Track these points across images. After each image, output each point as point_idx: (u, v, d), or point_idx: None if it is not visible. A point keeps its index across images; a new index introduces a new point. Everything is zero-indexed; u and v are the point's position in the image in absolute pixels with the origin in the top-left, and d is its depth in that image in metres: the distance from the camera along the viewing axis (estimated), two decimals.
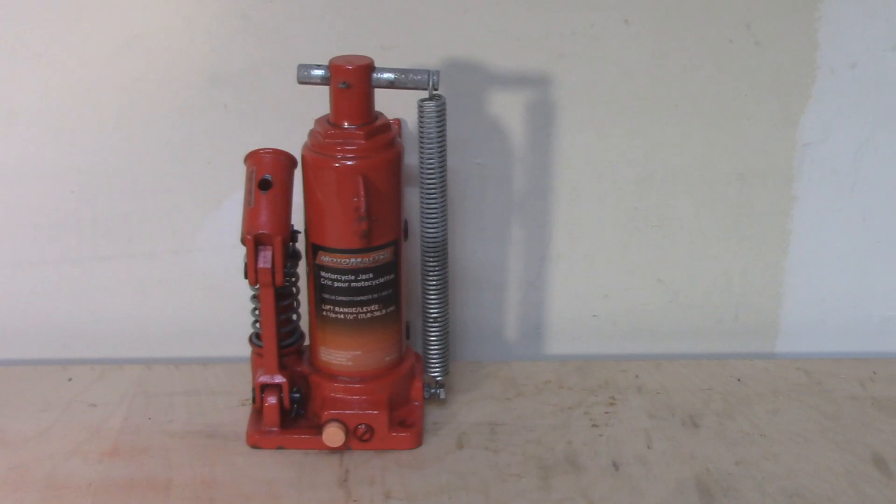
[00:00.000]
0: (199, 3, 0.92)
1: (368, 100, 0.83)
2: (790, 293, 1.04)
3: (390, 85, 0.82)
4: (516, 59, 0.94)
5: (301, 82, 0.83)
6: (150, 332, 1.03)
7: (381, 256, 0.85)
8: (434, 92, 0.82)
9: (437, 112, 0.82)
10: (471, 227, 0.99)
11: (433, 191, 0.84)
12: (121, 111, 0.95)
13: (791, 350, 1.06)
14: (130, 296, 1.01)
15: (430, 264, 0.87)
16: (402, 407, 0.90)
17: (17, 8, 0.91)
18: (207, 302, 1.02)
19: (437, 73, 0.81)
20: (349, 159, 0.82)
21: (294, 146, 0.85)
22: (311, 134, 0.84)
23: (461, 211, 0.99)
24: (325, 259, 0.84)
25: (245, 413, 0.92)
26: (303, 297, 0.89)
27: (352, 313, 0.86)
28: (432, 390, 0.92)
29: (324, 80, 0.82)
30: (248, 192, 0.83)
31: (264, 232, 0.82)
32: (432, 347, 0.90)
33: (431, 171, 0.84)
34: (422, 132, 0.83)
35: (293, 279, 0.88)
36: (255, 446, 0.88)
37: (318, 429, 0.86)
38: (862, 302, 1.04)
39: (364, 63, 0.82)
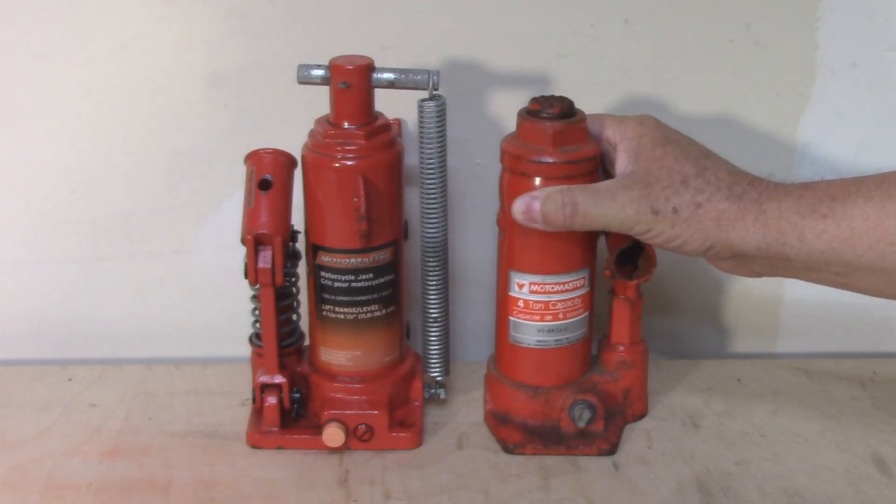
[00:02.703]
0: (198, 3, 0.92)
1: (368, 100, 0.83)
2: (790, 293, 1.04)
3: (390, 85, 0.82)
4: (516, 59, 0.94)
5: (301, 82, 0.83)
6: (150, 332, 1.03)
7: (381, 256, 0.85)
8: (434, 92, 0.82)
9: (437, 112, 0.82)
10: (471, 227, 0.99)
11: (433, 191, 0.84)
12: (121, 111, 0.95)
13: (791, 350, 1.06)
14: (130, 296, 1.01)
15: (430, 264, 0.87)
16: (402, 407, 0.90)
17: (17, 8, 0.91)
18: (207, 302, 1.02)
19: (437, 73, 0.81)
20: (349, 159, 0.82)
21: (294, 146, 0.85)
22: (311, 134, 0.84)
23: (461, 211, 0.99)
24: (325, 259, 0.84)
25: (245, 413, 0.92)
26: (303, 297, 0.89)
27: (352, 313, 0.86)
28: (432, 390, 0.92)
29: (324, 80, 0.82)
30: (248, 192, 0.83)
31: (264, 232, 0.82)
32: (432, 347, 0.90)
33: (431, 171, 0.84)
34: (422, 132, 0.83)
35: (293, 279, 0.88)
36: (255, 446, 0.88)
37: (318, 429, 0.86)
38: (862, 302, 1.03)
39: (364, 63, 0.82)
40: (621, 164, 0.79)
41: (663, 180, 0.76)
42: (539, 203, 0.78)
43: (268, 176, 0.83)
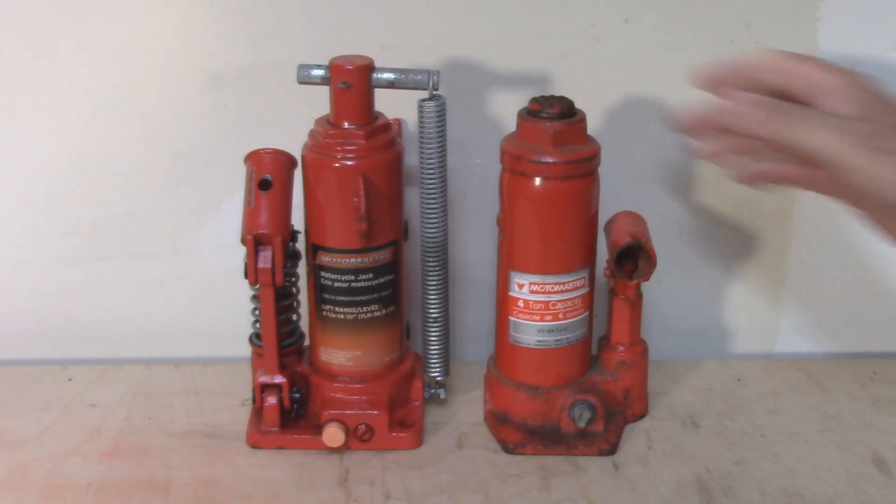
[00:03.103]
0: (198, 3, 0.92)
1: (368, 100, 0.83)
2: (790, 293, 1.04)
3: (390, 85, 0.82)
4: (516, 59, 0.94)
5: (301, 82, 0.83)
6: (150, 332, 1.03)
7: (381, 256, 0.85)
8: (434, 92, 0.82)
9: (437, 112, 0.82)
10: (471, 227, 0.99)
11: (433, 191, 0.84)
12: (121, 111, 0.95)
13: (791, 350, 1.06)
14: (130, 296, 1.01)
15: (430, 264, 0.87)
16: (402, 407, 0.90)
17: (18, 8, 0.91)
18: (207, 302, 1.02)
19: (437, 73, 0.81)
20: (349, 159, 0.82)
21: (294, 146, 0.85)
22: (311, 134, 0.84)
23: (461, 211, 0.99)
24: (325, 259, 0.84)
25: (245, 413, 0.92)
26: (303, 297, 0.89)
27: (352, 313, 0.86)
28: (432, 390, 0.92)
29: (324, 80, 0.82)
30: (248, 192, 0.83)
31: (264, 232, 0.82)
32: (432, 347, 0.90)
33: (431, 171, 0.84)
34: (422, 132, 0.83)
35: (293, 279, 0.88)
36: (255, 446, 0.88)
37: (318, 429, 0.86)
38: (862, 302, 1.04)
39: (364, 63, 0.82)
40: (831, 106, 0.71)
41: (885, 123, 0.69)
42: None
43: (268, 176, 0.83)
